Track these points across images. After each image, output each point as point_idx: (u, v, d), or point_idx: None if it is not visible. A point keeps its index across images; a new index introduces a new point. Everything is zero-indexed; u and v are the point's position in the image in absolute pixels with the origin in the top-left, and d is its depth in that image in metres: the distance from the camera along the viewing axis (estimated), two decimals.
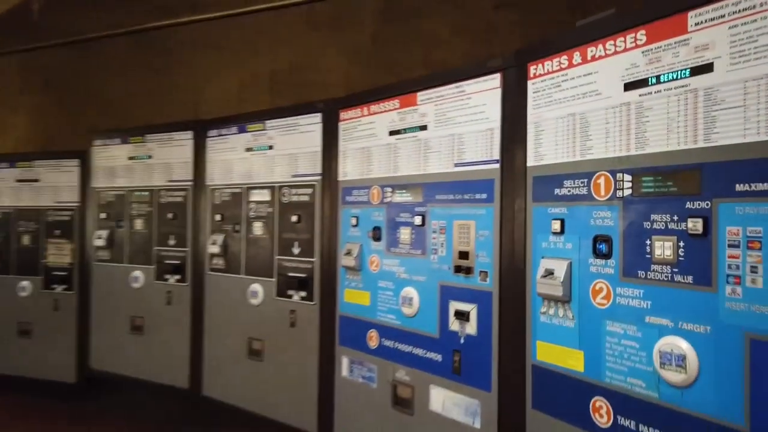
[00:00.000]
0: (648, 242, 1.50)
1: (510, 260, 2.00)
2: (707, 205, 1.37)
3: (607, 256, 1.61)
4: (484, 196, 2.10)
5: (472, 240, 2.12)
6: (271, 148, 3.04)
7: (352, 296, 2.67)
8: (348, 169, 2.71)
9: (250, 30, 4.41)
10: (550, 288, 1.78)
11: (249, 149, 3.15)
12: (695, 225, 1.38)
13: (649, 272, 1.51)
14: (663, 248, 1.47)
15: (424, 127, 2.34)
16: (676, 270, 1.44)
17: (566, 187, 1.75)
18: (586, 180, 1.69)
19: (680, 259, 1.43)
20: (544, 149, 1.84)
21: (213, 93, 4.57)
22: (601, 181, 1.64)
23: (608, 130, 1.63)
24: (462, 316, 2.14)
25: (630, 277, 1.56)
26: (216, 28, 4.03)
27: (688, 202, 1.41)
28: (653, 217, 1.49)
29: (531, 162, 1.89)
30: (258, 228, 3.09)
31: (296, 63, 4.48)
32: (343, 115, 2.76)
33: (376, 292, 2.55)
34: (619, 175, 1.59)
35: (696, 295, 1.39)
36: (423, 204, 2.33)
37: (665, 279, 1.46)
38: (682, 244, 1.42)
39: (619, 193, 1.58)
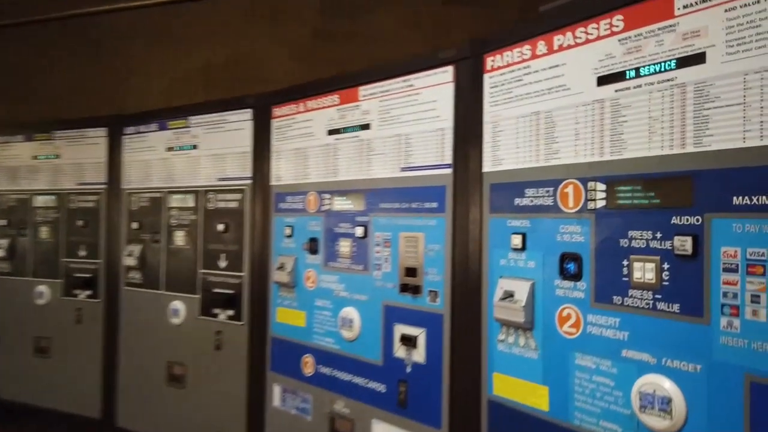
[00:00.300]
0: (626, 263, 1.31)
1: (464, 279, 1.75)
2: (698, 220, 1.18)
3: (576, 277, 1.41)
4: (434, 205, 1.84)
5: (421, 255, 1.86)
6: (195, 147, 2.70)
7: (286, 316, 2.36)
8: (282, 173, 2.41)
9: (183, 21, 4.03)
10: (509, 312, 1.54)
11: (170, 149, 2.79)
12: (683, 244, 1.19)
13: (626, 298, 1.31)
14: (644, 270, 1.27)
15: (366, 126, 2.07)
16: (659, 296, 1.24)
17: (528, 197, 1.55)
18: (551, 189, 1.49)
19: (664, 283, 1.24)
20: (503, 152, 1.62)
21: (141, 87, 4.15)
22: (570, 190, 1.44)
23: (578, 131, 1.43)
24: (409, 341, 1.88)
25: (603, 303, 1.36)
26: (148, 17, 3.65)
27: (674, 217, 1.23)
28: (632, 233, 1.30)
29: (487, 167, 1.68)
30: (180, 238, 2.73)
31: (233, 57, 4.12)
32: (276, 111, 2.45)
33: (312, 312, 2.25)
34: (590, 184, 1.39)
35: (684, 326, 1.20)
36: (365, 213, 2.05)
37: (646, 306, 1.27)
38: (666, 266, 1.23)
39: (591, 205, 1.39)
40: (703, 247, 1.16)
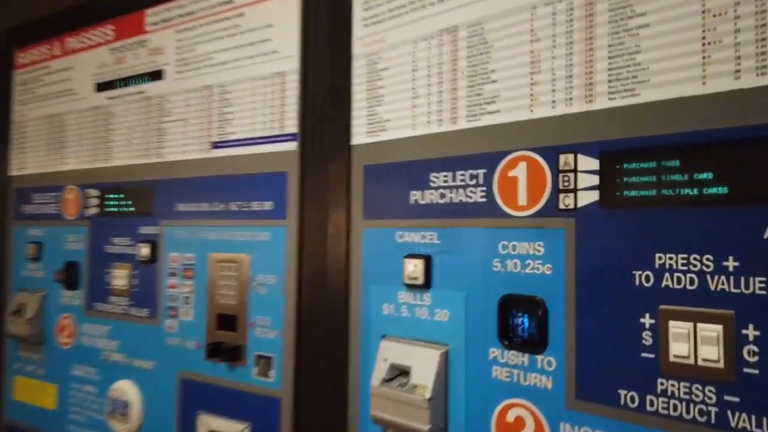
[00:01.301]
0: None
1: (318, 336, 0.97)
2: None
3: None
4: (268, 205, 1.05)
5: (245, 291, 1.06)
6: None
7: (28, 391, 1.43)
8: (27, 157, 1.48)
9: None
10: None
11: None
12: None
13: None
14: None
15: (157, 75, 1.22)
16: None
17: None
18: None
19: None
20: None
21: None
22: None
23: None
24: None
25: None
26: None
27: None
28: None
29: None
30: None
31: None
32: (20, 57, 1.52)
33: (67, 386, 1.34)
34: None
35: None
36: (155, 220, 1.20)
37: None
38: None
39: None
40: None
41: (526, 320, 0.74)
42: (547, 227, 0.72)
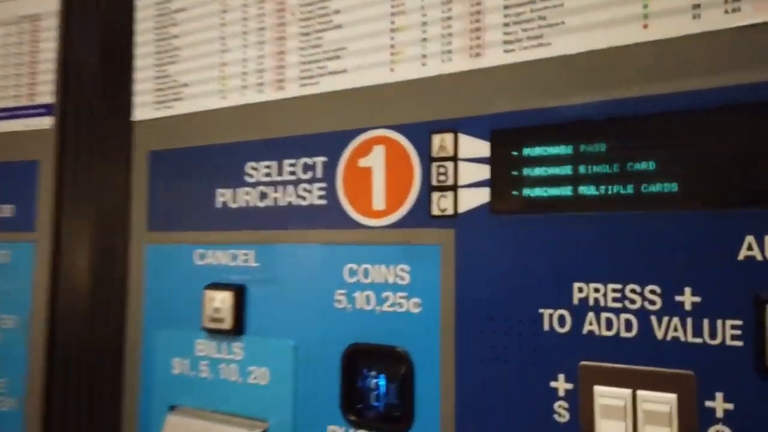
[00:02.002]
0: None
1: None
2: None
3: None
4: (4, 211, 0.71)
5: None
6: None
7: None
8: None
9: None
10: None
11: None
12: None
13: None
14: None
15: None
16: None
17: None
18: None
19: None
20: None
21: None
22: None
23: None
24: None
25: None
26: None
27: None
28: None
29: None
30: None
31: None
32: None
33: None
34: None
35: None
36: None
37: None
38: None
39: None
40: None
41: (382, 383, 0.49)
42: (415, 243, 0.48)
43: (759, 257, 0.36)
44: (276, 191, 0.55)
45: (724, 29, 0.38)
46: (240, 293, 0.55)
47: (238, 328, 0.55)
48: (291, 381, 0.53)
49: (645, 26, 0.40)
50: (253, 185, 0.56)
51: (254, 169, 0.56)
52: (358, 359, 0.50)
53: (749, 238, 0.36)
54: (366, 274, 0.50)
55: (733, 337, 0.37)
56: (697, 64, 0.39)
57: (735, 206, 0.37)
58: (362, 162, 0.51)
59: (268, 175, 0.56)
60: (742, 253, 0.37)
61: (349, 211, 0.51)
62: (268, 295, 0.55)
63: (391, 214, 0.49)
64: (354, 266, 0.50)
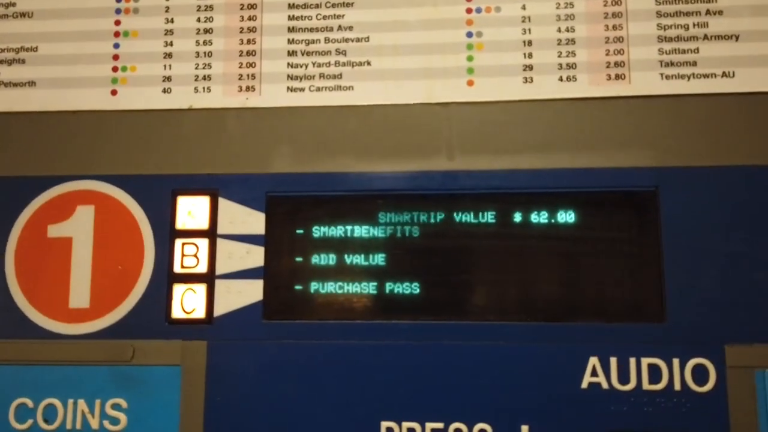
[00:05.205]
0: None
1: None
2: None
3: None
4: None
5: None
6: None
7: None
8: None
9: None
10: None
11: None
12: None
13: None
14: None
15: None
16: None
17: None
18: None
19: None
20: None
21: None
22: None
23: None
24: None
25: None
26: None
27: None
28: None
29: None
30: None
31: None
32: None
33: None
34: None
35: None
36: None
37: None
38: None
39: None
40: None
41: None
42: (140, 363, 0.30)
43: None
44: None
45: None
46: None
47: None
48: None
49: None
50: None
51: None
52: None
53: None
54: (49, 417, 0.30)
55: None
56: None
57: None
58: (54, 230, 0.31)
59: None
60: (585, 381, 0.29)
61: (26, 309, 0.31)
62: None
63: (99, 318, 0.31)
64: (28, 402, 0.30)
